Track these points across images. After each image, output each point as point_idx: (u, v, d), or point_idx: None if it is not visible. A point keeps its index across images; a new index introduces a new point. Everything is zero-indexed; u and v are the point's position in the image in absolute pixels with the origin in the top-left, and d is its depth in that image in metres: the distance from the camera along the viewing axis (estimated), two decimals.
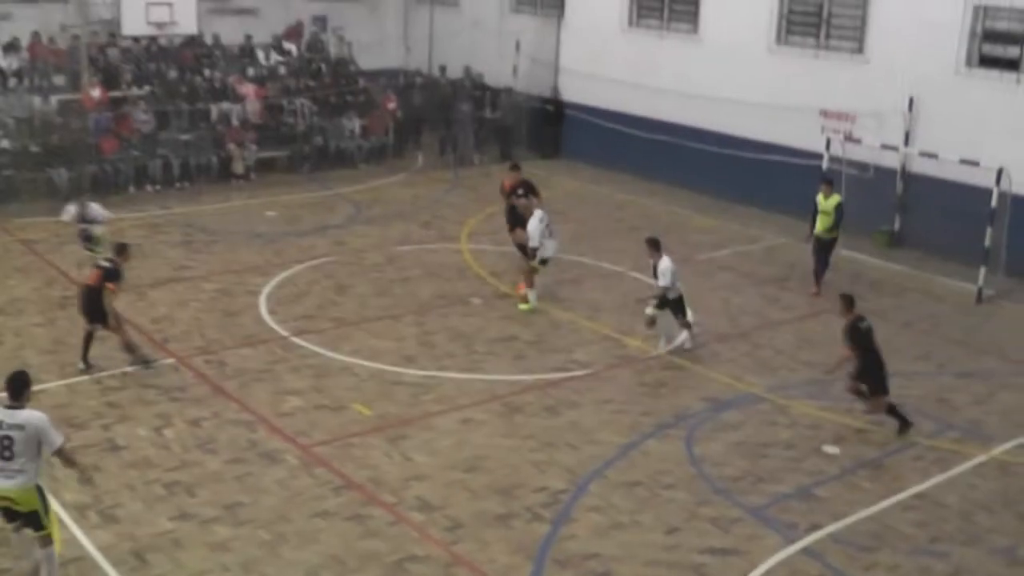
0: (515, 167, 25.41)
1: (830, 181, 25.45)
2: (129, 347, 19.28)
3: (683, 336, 21.14)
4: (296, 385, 18.84)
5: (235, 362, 19.68)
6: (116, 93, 32.88)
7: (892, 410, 17.96)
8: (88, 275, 19.42)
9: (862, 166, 27.87)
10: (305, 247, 26.54)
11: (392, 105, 37.09)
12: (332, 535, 14.35)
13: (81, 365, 19.10)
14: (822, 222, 24.80)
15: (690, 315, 21.23)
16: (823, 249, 24.96)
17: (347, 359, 20.03)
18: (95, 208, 23.35)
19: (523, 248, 23.53)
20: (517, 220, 24.24)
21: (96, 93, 31.89)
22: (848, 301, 18.29)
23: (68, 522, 14.31)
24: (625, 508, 15.34)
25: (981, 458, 17.41)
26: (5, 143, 29.78)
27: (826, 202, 24.82)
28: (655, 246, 20.94)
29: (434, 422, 17.73)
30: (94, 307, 18.97)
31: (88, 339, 19.17)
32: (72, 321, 21.09)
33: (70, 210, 23.33)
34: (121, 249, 19.55)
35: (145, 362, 19.32)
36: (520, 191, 24.40)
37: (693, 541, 14.55)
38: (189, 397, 18.20)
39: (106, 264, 19.16)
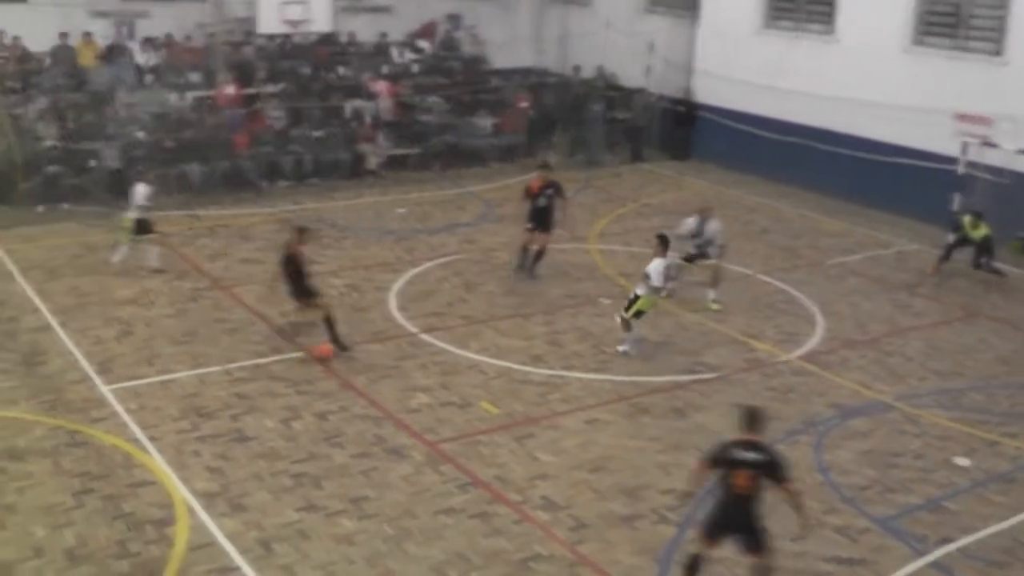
0: (544, 166, 25.05)
1: (979, 213, 25.28)
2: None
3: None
4: (424, 382, 18.94)
5: (363, 357, 19.83)
6: (250, 90, 33.39)
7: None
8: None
9: (998, 171, 27.36)
10: (435, 244, 26.71)
11: (524, 104, 37.17)
12: (457, 532, 14.40)
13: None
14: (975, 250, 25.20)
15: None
16: (974, 250, 25.29)
17: (475, 357, 20.10)
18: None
19: (542, 252, 24.26)
20: (540, 222, 24.22)
21: (230, 90, 32.42)
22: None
23: (197, 509, 14.57)
24: None
25: None
26: (140, 137, 30.34)
27: (974, 231, 25.06)
28: (664, 244, 20.41)
29: (560, 422, 17.71)
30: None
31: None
32: (203, 312, 21.52)
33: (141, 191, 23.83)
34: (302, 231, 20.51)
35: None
36: (549, 191, 24.17)
37: (819, 549, 14.36)
38: (317, 391, 18.37)
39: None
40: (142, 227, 23.65)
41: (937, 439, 17.76)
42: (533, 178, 24.63)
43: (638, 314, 20.30)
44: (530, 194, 24.31)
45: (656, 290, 20.27)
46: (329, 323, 19.89)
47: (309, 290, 20.01)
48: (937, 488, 16.17)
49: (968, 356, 21.32)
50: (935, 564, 14.23)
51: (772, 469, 12.35)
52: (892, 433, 17.87)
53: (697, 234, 23.10)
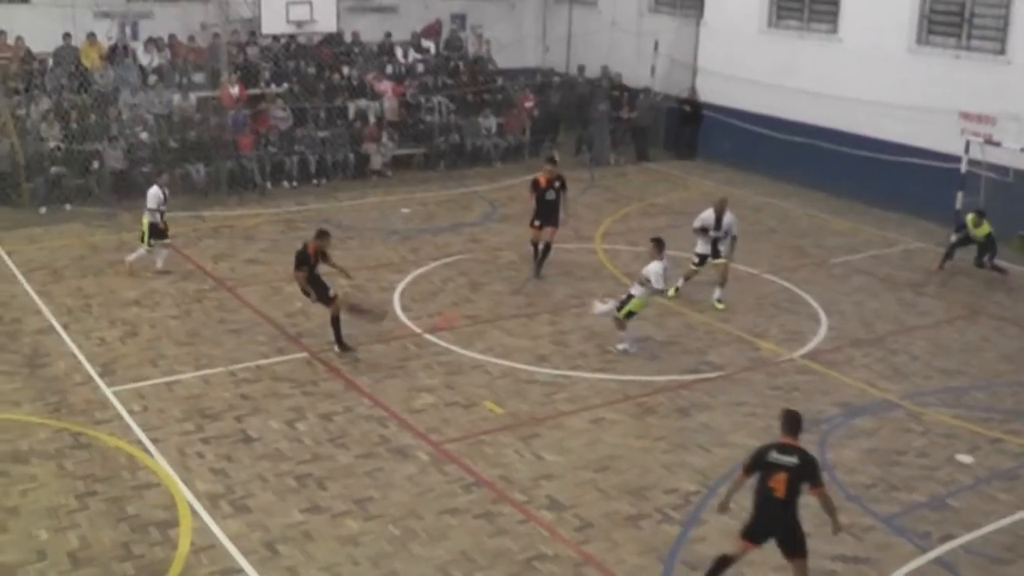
0: (551, 160, 25.43)
1: (981, 212, 25.37)
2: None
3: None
4: (428, 382, 18.92)
5: (368, 358, 19.81)
6: (254, 91, 33.37)
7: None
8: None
9: (1001, 170, 27.35)
10: (440, 244, 26.70)
11: (529, 104, 37.15)
12: (462, 532, 14.38)
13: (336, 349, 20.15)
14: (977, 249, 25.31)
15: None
16: (977, 249, 25.53)
17: (480, 357, 20.07)
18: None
19: (548, 247, 24.45)
20: (547, 217, 24.35)
21: (235, 91, 32.39)
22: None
23: (201, 511, 14.55)
24: None
25: None
26: (144, 138, 30.34)
27: (975, 230, 25.19)
28: (660, 247, 20.52)
29: (566, 421, 17.68)
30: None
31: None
32: (207, 314, 21.52)
33: None
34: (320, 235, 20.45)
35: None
36: (556, 184, 24.38)
37: (824, 548, 14.29)
38: (322, 392, 18.36)
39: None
40: (155, 231, 23.57)
41: (941, 437, 17.74)
42: (540, 173, 24.82)
43: (630, 314, 20.39)
44: (537, 188, 24.45)
45: (656, 292, 20.51)
46: (335, 322, 19.92)
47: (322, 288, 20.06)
48: (941, 485, 16.16)
49: (972, 355, 21.30)
50: (938, 561, 14.21)
51: (807, 473, 12.38)
52: (896, 431, 17.84)
53: (715, 227, 22.97)
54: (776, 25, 35.08)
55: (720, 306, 22.86)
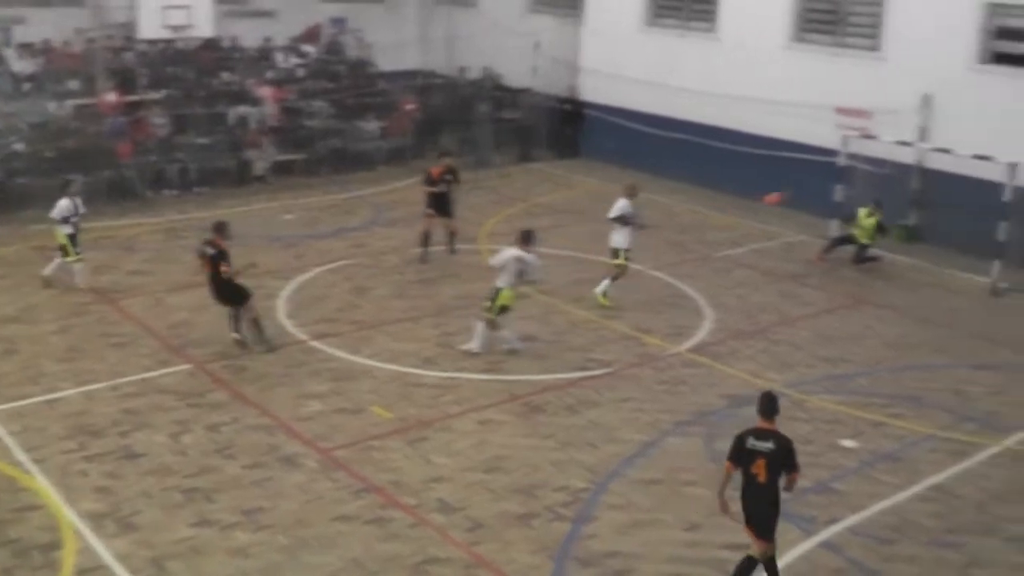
0: (445, 154, 27.14)
1: (879, 203, 26.16)
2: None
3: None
4: (316, 389, 18.79)
5: (254, 367, 19.63)
6: (132, 97, 32.85)
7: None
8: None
9: (878, 162, 27.87)
10: (324, 250, 26.53)
11: (411, 107, 37.11)
12: (353, 539, 14.30)
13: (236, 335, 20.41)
14: (859, 234, 26.19)
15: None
16: (856, 248, 26.39)
17: (367, 362, 19.97)
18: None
19: (452, 234, 26.19)
20: (440, 208, 25.99)
21: (112, 97, 31.92)
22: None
23: (85, 531, 14.24)
24: (645, 506, 15.31)
25: (995, 449, 17.46)
26: (19, 148, 29.76)
27: (865, 220, 26.05)
28: (526, 239, 20.40)
29: (454, 423, 17.67)
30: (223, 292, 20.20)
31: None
32: (89, 328, 21.16)
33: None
34: (220, 227, 20.33)
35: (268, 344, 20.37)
36: (448, 176, 25.99)
37: (714, 537, 14.49)
38: (208, 403, 18.12)
39: (210, 250, 20.11)
40: (75, 241, 23.13)
41: (825, 423, 18.08)
42: (434, 165, 26.37)
43: (503, 309, 20.40)
44: (430, 180, 25.97)
45: (531, 282, 20.60)
46: (235, 318, 20.21)
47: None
48: (826, 470, 16.44)
49: (854, 342, 21.71)
50: (825, 544, 14.51)
51: (784, 458, 12.64)
52: (782, 419, 17.70)
53: (635, 214, 23.11)
54: (655, 24, 35.39)
55: (605, 302, 22.96)
